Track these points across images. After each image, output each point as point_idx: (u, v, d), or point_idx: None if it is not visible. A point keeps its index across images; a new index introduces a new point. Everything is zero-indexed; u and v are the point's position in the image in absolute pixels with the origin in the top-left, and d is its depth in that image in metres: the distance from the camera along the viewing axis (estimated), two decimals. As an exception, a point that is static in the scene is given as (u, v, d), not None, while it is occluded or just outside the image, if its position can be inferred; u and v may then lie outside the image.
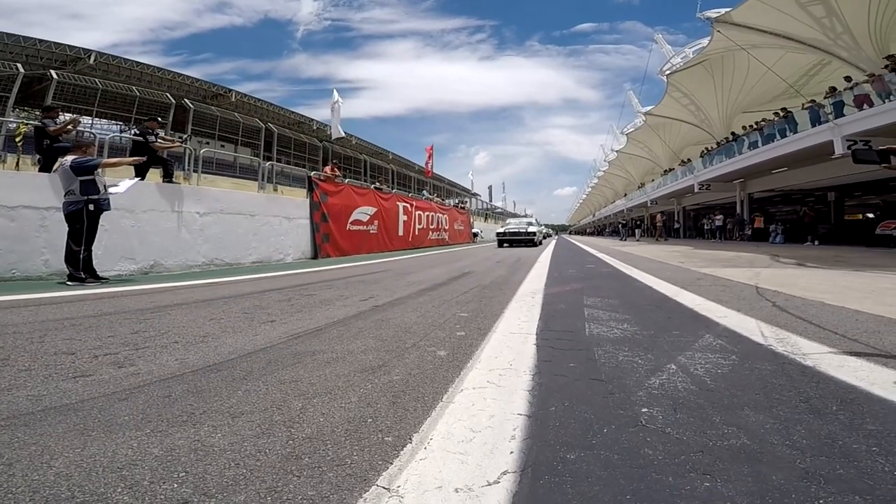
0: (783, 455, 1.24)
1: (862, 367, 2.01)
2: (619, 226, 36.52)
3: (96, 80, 26.37)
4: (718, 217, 26.77)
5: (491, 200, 63.54)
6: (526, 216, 38.87)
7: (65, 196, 5.43)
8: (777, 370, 1.99)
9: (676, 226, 36.62)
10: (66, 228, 5.42)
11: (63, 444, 1.34)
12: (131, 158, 6.63)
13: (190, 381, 1.92)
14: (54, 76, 24.47)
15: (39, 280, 5.72)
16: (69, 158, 5.50)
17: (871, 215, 18.15)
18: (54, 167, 6.07)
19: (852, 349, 2.30)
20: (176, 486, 1.12)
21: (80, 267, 5.40)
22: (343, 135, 15.12)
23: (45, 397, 1.73)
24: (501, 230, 19.75)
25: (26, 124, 7.82)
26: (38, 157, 6.70)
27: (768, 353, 2.29)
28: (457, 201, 36.92)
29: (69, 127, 6.99)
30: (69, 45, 25.52)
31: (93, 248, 5.60)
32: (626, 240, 30.62)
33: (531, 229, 18.73)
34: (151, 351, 2.42)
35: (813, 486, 1.08)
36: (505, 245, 18.50)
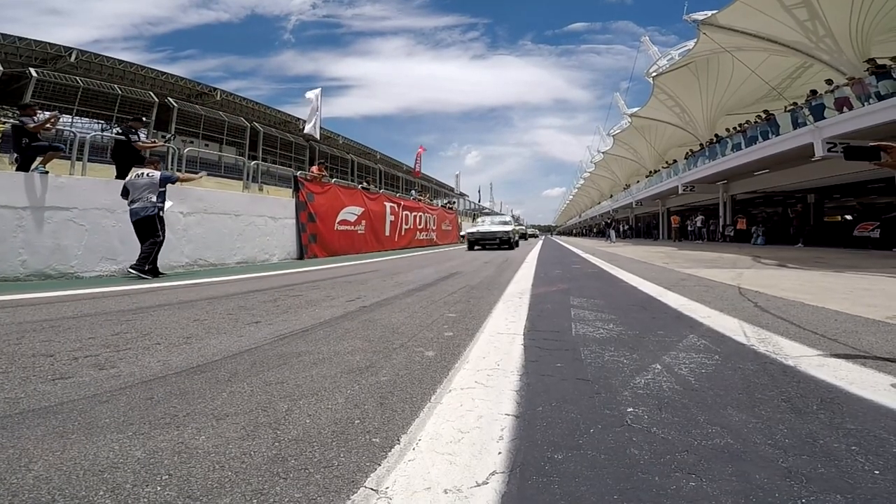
0: (766, 454, 1.26)
1: (841, 366, 2.05)
2: (604, 226, 36.83)
3: (77, 78, 25.73)
4: (699, 219, 27.29)
5: (480, 201, 63.86)
6: (501, 213, 34.66)
7: (135, 203, 6.20)
8: (759, 370, 2.02)
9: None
10: (126, 231, 6.44)
11: (42, 447, 1.31)
12: (197, 176, 8.57)
13: (173, 383, 1.89)
14: (34, 74, 23.85)
15: (16, 281, 5.58)
16: (148, 171, 6.38)
17: (849, 217, 18.54)
18: (128, 177, 6.65)
19: (832, 349, 2.35)
20: (159, 488, 1.10)
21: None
22: (316, 136, 14.85)
23: (22, 400, 1.69)
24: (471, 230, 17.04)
25: (3, 122, 7.60)
26: (15, 155, 6.53)
27: (751, 353, 2.33)
28: (445, 202, 36.87)
29: (48, 125, 6.84)
30: (49, 43, 24.90)
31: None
32: (609, 240, 30.88)
33: (506, 228, 16.43)
34: (133, 353, 2.37)
35: (795, 485, 1.10)
36: (476, 248, 16.08)
